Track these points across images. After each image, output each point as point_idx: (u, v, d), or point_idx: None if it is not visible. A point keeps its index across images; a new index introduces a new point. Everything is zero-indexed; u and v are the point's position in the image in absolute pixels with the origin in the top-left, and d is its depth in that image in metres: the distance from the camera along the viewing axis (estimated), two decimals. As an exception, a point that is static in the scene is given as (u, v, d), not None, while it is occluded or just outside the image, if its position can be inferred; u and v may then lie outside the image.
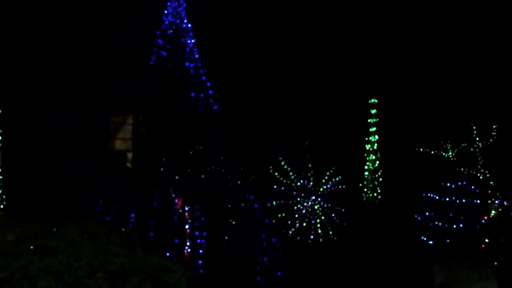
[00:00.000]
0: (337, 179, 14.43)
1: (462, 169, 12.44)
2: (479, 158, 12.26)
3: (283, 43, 11.70)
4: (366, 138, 15.60)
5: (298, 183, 14.19)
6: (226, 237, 10.78)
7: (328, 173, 14.43)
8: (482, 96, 12.07)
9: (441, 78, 12.26)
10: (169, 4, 11.62)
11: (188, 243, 10.34)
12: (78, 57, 11.50)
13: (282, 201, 14.08)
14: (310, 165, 14.01)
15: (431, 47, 11.73)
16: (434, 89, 12.33)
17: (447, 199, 12.44)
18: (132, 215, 10.65)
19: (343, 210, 13.91)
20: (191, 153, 11.20)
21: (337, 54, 11.77)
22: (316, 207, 14.29)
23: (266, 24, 11.62)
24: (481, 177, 12.26)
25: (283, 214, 13.96)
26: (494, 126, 12.22)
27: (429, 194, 12.69)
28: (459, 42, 11.72)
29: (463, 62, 11.87)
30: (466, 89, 12.12)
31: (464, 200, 12.41)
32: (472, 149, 12.34)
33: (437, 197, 12.60)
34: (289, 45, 11.71)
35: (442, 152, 12.62)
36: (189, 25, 11.55)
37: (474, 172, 12.43)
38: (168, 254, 9.46)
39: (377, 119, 15.04)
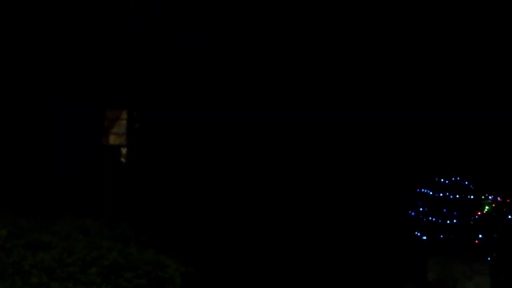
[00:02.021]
0: None
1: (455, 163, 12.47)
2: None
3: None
4: None
5: None
6: None
7: None
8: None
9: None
10: None
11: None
12: (73, 50, 11.44)
13: None
14: None
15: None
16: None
17: (441, 194, 12.48)
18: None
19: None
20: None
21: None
22: None
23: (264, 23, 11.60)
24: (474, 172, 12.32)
25: None
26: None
27: (423, 190, 12.73)
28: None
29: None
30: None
31: (458, 196, 12.45)
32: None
33: (430, 193, 12.63)
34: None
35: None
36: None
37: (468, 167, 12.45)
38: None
39: None
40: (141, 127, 11.63)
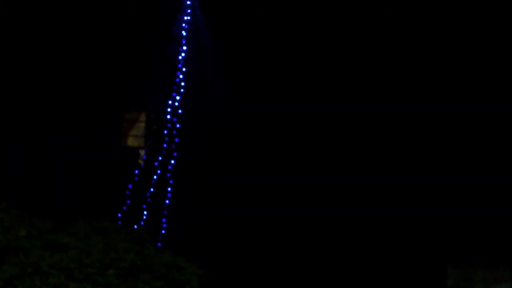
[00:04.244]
0: None
1: None
2: None
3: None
4: None
5: None
6: None
7: None
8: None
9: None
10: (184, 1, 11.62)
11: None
12: (93, 53, 11.53)
13: None
14: None
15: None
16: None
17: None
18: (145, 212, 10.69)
19: None
20: None
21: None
22: None
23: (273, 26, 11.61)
24: None
25: None
26: None
27: None
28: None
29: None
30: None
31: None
32: None
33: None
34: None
35: None
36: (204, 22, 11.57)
37: None
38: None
39: None
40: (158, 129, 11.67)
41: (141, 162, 11.55)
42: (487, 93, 11.13)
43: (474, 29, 11.06)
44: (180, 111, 11.54)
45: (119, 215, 10.69)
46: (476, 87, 11.17)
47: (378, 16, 11.21)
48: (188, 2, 11.67)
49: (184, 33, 11.60)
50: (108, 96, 11.56)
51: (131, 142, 12.24)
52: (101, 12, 11.27)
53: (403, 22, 11.19)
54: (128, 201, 10.92)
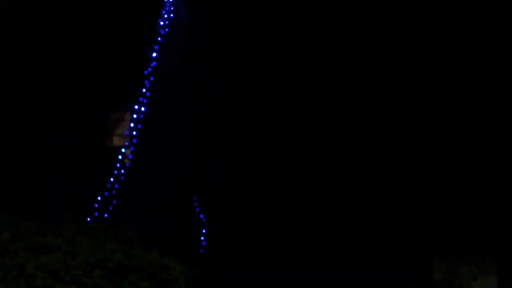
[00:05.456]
0: None
1: None
2: None
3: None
4: None
5: None
6: None
7: None
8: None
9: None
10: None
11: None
12: (77, 52, 11.46)
13: None
14: None
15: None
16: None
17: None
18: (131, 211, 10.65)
19: None
20: None
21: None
22: None
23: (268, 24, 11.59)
24: None
25: None
26: None
27: None
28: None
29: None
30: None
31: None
32: None
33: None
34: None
35: None
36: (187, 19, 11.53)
37: None
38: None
39: None
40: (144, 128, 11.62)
41: (127, 161, 11.49)
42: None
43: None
44: (165, 109, 11.50)
45: (105, 215, 10.63)
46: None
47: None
48: (171, -1, 11.62)
49: (167, 30, 11.55)
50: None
51: (116, 141, 12.17)
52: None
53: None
54: (115, 201, 10.87)
